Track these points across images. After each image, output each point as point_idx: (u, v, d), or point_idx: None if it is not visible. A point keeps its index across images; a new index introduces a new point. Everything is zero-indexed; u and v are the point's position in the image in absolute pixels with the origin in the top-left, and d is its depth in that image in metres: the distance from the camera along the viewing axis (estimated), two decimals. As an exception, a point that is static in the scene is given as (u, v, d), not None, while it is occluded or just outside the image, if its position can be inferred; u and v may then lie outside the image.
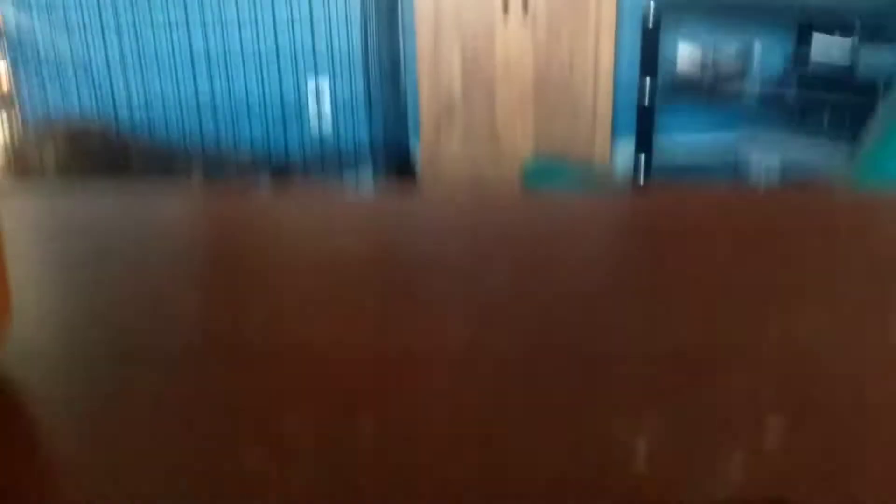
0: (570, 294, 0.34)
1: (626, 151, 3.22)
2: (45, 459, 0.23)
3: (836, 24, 3.06)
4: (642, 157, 3.11)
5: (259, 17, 3.19)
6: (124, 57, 3.22)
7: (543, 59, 3.23)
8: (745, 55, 3.22)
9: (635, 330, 0.30)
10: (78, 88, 3.24)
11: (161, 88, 3.26)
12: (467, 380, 0.27)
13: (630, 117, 3.17)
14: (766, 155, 3.11)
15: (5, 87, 3.26)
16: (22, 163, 2.69)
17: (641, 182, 3.11)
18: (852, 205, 0.48)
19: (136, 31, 3.19)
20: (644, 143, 3.12)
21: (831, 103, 3.05)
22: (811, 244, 0.41)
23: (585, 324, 0.31)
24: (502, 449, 0.23)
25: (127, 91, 3.26)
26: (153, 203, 0.50)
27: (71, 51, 3.19)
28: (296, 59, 3.25)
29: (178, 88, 3.27)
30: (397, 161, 3.34)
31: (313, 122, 3.32)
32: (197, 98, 3.28)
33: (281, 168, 3.23)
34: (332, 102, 3.30)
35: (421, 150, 3.34)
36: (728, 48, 3.21)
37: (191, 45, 3.22)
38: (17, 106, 3.23)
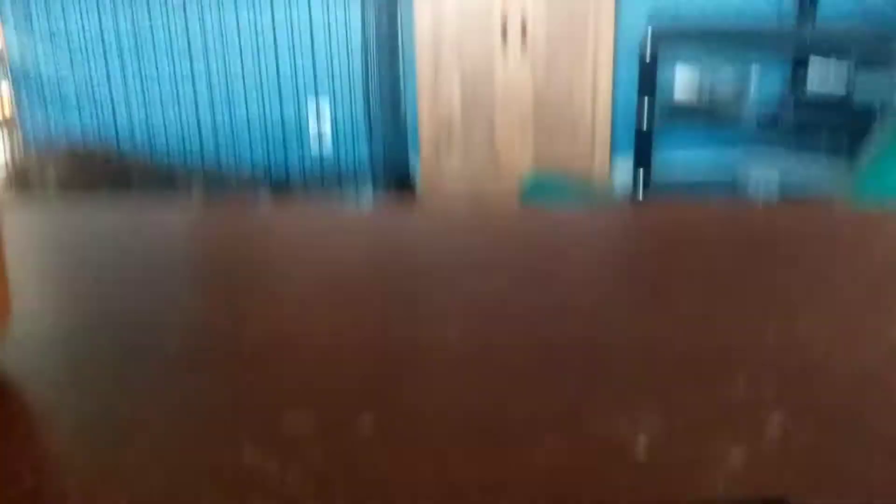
0: (569, 302, 0.35)
1: (624, 169, 3.23)
2: (45, 459, 0.23)
3: (832, 49, 3.08)
4: (640, 173, 3.12)
5: (260, 40, 3.22)
6: (126, 78, 3.25)
7: (542, 84, 3.26)
8: (743, 80, 3.24)
9: (634, 336, 0.31)
10: (80, 109, 3.26)
11: (162, 109, 3.29)
12: (466, 386, 0.27)
13: (629, 138, 3.18)
14: (765, 172, 3.12)
15: (7, 109, 3.28)
16: (24, 182, 2.70)
17: (640, 199, 3.12)
18: (850, 219, 0.49)
19: (137, 53, 3.22)
20: (643, 161, 3.13)
21: (828, 126, 3.07)
22: (808, 254, 0.41)
23: (583, 330, 0.31)
24: (502, 449, 0.23)
25: (128, 112, 3.28)
26: (153, 216, 0.50)
27: (73, 72, 3.21)
28: (296, 80, 3.28)
29: (180, 109, 3.29)
30: (397, 181, 3.36)
31: (313, 142, 3.34)
32: (198, 118, 3.30)
33: (281, 187, 3.24)
34: (332, 123, 3.32)
35: (420, 171, 3.35)
36: (725, 73, 3.23)
37: (192, 67, 3.25)
38: (18, 127, 3.24)
